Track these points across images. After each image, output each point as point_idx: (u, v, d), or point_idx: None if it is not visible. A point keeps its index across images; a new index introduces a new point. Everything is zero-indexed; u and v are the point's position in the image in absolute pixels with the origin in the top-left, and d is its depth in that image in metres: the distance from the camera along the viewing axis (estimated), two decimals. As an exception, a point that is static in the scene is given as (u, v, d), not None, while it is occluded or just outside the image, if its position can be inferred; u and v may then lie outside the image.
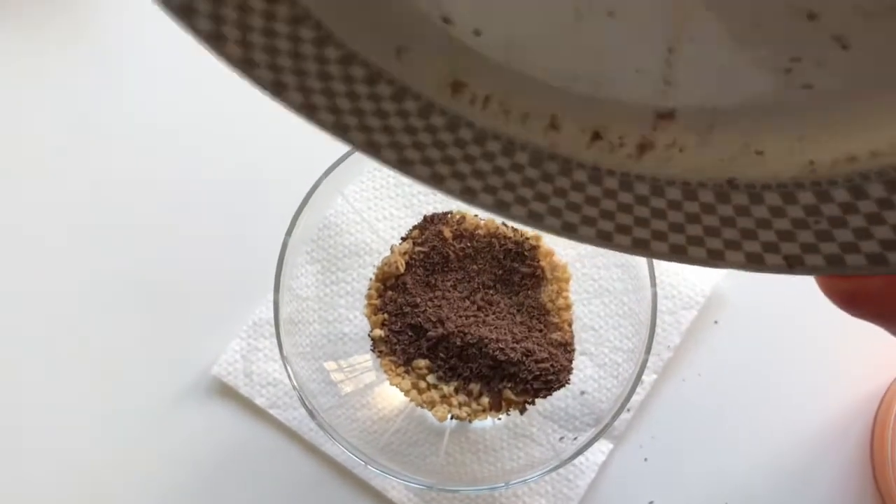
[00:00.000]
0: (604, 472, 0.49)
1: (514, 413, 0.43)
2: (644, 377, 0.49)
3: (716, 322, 0.50)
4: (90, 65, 0.54)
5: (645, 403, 0.50)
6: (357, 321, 0.49)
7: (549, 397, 0.44)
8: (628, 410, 0.49)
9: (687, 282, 0.50)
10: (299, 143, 0.52)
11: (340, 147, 0.46)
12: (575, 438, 0.46)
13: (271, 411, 0.49)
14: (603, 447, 0.49)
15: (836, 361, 0.50)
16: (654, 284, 0.39)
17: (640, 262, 0.43)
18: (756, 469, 0.49)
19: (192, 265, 0.51)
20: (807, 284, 0.50)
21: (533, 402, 0.42)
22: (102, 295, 0.51)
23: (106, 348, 0.50)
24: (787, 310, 0.50)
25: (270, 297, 0.50)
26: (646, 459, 0.49)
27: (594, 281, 0.49)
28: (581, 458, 0.49)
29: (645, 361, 0.39)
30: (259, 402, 0.49)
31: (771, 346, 0.50)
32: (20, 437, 0.50)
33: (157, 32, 0.54)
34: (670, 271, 0.50)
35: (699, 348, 0.50)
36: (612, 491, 0.49)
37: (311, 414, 0.39)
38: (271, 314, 0.50)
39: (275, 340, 0.50)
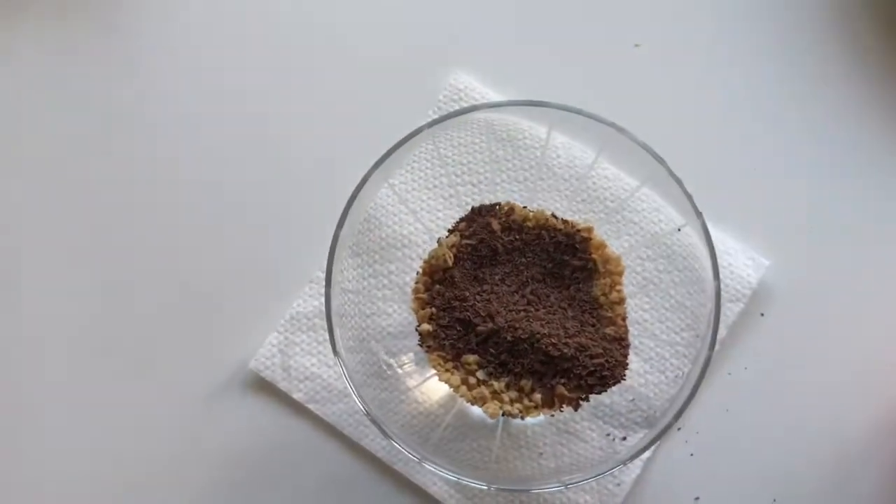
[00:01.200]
0: (649, 467, 0.48)
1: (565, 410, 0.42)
2: (684, 368, 0.48)
3: (762, 315, 0.49)
4: (123, 58, 0.53)
5: (680, 393, 0.48)
6: (396, 315, 0.48)
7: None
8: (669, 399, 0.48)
9: (733, 274, 0.49)
10: (332, 138, 0.51)
11: (380, 141, 0.45)
12: (624, 438, 0.45)
13: (310, 406, 0.49)
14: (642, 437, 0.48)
15: (883, 356, 0.49)
16: (717, 277, 0.38)
17: (694, 252, 0.42)
18: (804, 465, 0.48)
19: (228, 258, 0.50)
20: (854, 279, 0.49)
21: (587, 399, 0.41)
22: (138, 289, 0.50)
23: (142, 343, 0.50)
24: (834, 303, 0.49)
25: (307, 290, 0.50)
26: (692, 455, 0.48)
27: (638, 274, 0.48)
28: (620, 449, 0.48)
29: (709, 358, 0.38)
30: (297, 396, 0.49)
31: (818, 339, 0.49)
32: (55, 432, 0.49)
33: (193, 20, 0.53)
34: (704, 264, 0.49)
35: (745, 342, 0.49)
36: (658, 486, 0.48)
37: (366, 410, 0.38)
38: (309, 308, 0.49)
39: (312, 335, 0.49)
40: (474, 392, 0.41)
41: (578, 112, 0.39)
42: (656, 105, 0.51)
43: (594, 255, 0.42)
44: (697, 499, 0.48)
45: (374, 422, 0.38)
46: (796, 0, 0.52)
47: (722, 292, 0.48)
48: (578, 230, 0.42)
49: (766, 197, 0.50)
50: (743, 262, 0.49)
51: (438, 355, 0.41)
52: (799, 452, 0.48)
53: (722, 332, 0.49)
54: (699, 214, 0.38)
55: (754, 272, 0.49)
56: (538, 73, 0.52)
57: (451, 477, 0.38)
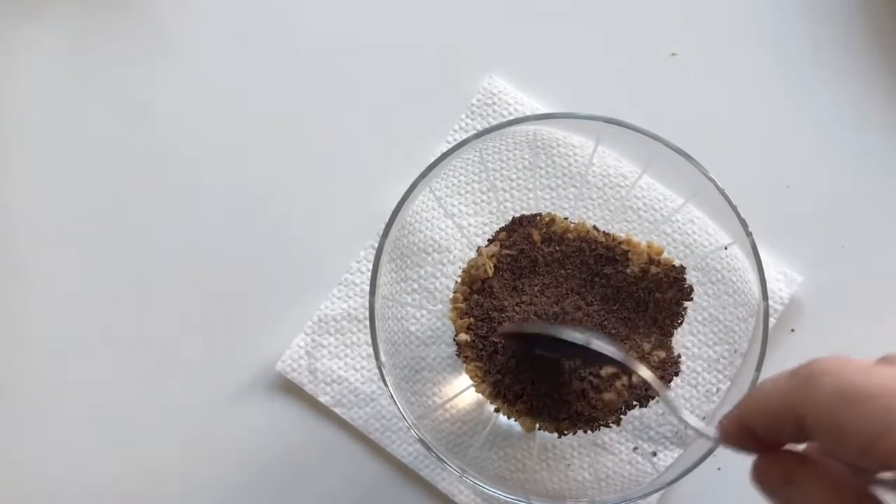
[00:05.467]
0: (676, 481, 0.48)
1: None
2: (720, 385, 0.48)
3: (792, 330, 0.49)
4: (153, 50, 0.52)
5: (718, 410, 0.48)
6: (424, 320, 0.48)
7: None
8: (703, 418, 0.48)
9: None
10: (362, 139, 0.51)
11: (412, 143, 0.44)
12: (654, 453, 0.45)
13: (336, 409, 0.48)
14: (675, 454, 0.48)
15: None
16: (766, 298, 0.38)
17: (732, 265, 0.42)
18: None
19: (256, 259, 0.50)
20: (888, 298, 0.49)
21: (625, 413, 0.40)
22: (166, 289, 0.49)
23: (169, 343, 0.49)
24: (866, 322, 0.49)
25: (335, 292, 0.49)
26: (719, 469, 0.48)
27: (670, 285, 0.48)
28: (649, 468, 0.48)
29: (755, 380, 0.37)
30: (323, 399, 0.48)
31: (848, 355, 0.49)
32: (81, 430, 0.49)
33: (218, 9, 0.52)
34: (745, 278, 0.49)
35: (775, 357, 0.49)
36: (684, 500, 0.48)
37: (407, 420, 0.38)
38: (336, 310, 0.49)
39: (339, 337, 0.49)
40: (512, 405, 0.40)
41: (628, 126, 0.38)
42: (689, 115, 0.51)
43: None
44: (724, 513, 0.48)
45: (424, 444, 0.37)
46: (839, 7, 0.51)
47: (750, 306, 0.48)
48: (619, 243, 0.42)
49: (801, 212, 0.50)
50: (775, 277, 0.49)
51: (476, 366, 0.41)
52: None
53: (746, 346, 0.48)
54: (749, 234, 0.38)
55: (786, 287, 0.49)
56: (572, 79, 0.51)
57: (489, 491, 0.38)
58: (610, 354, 0.33)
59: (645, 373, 0.33)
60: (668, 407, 0.31)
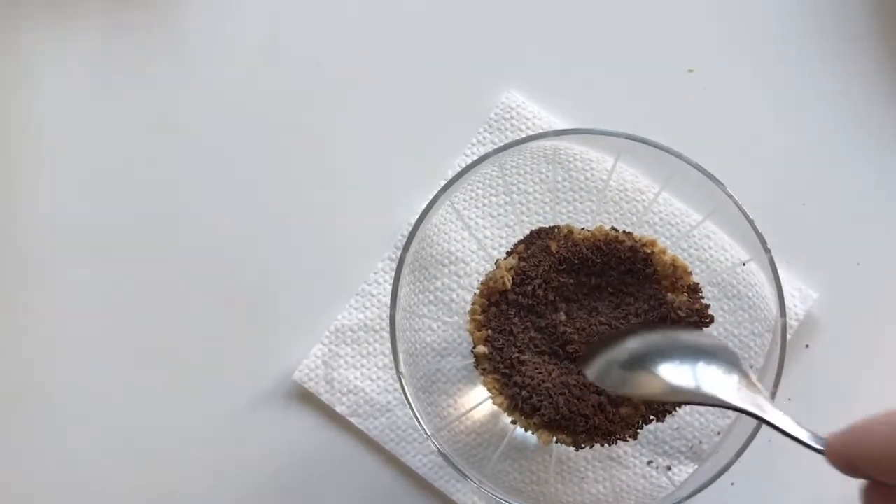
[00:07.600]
0: (689, 497, 0.48)
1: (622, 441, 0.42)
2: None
3: (807, 346, 0.49)
4: (175, 62, 0.52)
5: (732, 426, 0.48)
6: (440, 331, 0.48)
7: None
8: (718, 433, 0.48)
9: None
10: (380, 152, 0.51)
11: (431, 156, 0.45)
12: (668, 468, 0.45)
13: (352, 419, 0.49)
14: (689, 468, 0.48)
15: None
16: (783, 314, 0.38)
17: (749, 281, 0.42)
18: (846, 498, 0.48)
19: (274, 269, 0.50)
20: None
21: (641, 428, 0.41)
22: (184, 299, 0.50)
23: (186, 351, 0.49)
24: (880, 336, 0.49)
25: (353, 302, 0.49)
26: (732, 484, 0.48)
27: (686, 300, 0.48)
28: (664, 482, 0.48)
29: (773, 396, 0.37)
30: (340, 409, 0.49)
31: (863, 373, 0.49)
32: (99, 437, 0.49)
33: (240, 21, 0.52)
34: (761, 294, 0.49)
35: (790, 372, 0.49)
36: (698, 515, 0.48)
37: (426, 432, 0.38)
38: (353, 320, 0.49)
39: (356, 347, 0.49)
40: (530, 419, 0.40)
41: (649, 143, 0.38)
42: (705, 131, 0.51)
43: (658, 269, 0.42)
44: (737, 528, 0.48)
45: (443, 457, 0.38)
46: (857, 25, 0.52)
47: (764, 321, 0.48)
48: (643, 245, 0.42)
49: (816, 229, 0.50)
50: (790, 294, 0.49)
51: (493, 378, 0.41)
52: (841, 485, 0.48)
53: (760, 361, 0.48)
54: (767, 250, 0.38)
55: (802, 304, 0.49)
56: (589, 94, 0.51)
57: (502, 500, 0.38)
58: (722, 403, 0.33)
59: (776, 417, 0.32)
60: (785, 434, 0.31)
